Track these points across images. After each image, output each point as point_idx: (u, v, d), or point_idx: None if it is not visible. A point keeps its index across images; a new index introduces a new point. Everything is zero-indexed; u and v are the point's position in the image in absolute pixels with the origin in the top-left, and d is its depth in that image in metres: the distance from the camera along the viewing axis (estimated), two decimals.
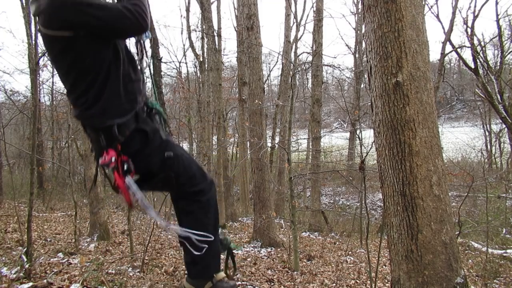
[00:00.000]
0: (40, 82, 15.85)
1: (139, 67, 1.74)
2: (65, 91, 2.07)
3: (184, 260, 1.85)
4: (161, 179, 1.71)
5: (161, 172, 1.69)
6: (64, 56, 1.53)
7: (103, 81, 1.53)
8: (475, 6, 6.90)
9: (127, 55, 1.65)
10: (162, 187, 1.90)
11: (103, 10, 1.47)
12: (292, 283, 5.46)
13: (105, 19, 1.47)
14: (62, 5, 1.43)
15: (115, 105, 1.56)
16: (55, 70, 1.65)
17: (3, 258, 5.10)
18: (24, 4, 9.93)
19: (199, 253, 1.71)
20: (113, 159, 1.53)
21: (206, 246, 1.72)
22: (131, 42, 1.88)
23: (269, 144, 13.45)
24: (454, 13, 8.77)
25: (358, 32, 19.52)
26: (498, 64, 8.11)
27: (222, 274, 1.83)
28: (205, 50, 15.08)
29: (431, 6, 8.15)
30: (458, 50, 7.90)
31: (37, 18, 1.59)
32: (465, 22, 6.66)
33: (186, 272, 1.90)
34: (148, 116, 1.72)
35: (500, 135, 18.05)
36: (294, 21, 15.59)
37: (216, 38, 13.08)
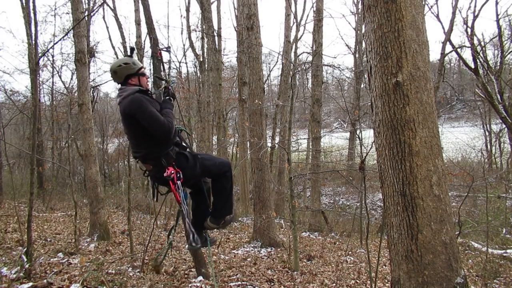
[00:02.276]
0: (40, 82, 15.87)
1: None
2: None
3: (215, 207, 3.13)
4: (202, 176, 3.07)
5: (202, 174, 3.01)
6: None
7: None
8: (475, 6, 6.91)
9: None
10: (202, 178, 3.16)
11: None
12: (292, 283, 5.46)
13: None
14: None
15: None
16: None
17: (3, 258, 5.10)
18: (24, 4, 9.93)
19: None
20: (172, 172, 2.73)
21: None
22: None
23: (269, 144, 13.45)
24: (454, 13, 8.77)
25: (358, 32, 19.52)
26: (498, 64, 8.10)
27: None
28: (205, 50, 15.10)
29: (431, 6, 8.16)
30: (458, 50, 7.91)
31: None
32: (465, 22, 6.67)
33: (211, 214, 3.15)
34: (179, 137, 2.90)
35: (500, 135, 18.04)
36: (294, 21, 15.60)
37: (216, 38, 13.09)
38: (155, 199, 3.08)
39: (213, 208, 3.15)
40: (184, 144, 2.94)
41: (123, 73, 2.85)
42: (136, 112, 2.61)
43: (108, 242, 7.38)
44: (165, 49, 3.28)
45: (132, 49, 3.11)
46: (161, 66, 3.42)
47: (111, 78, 2.92)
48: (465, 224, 7.96)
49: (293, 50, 15.71)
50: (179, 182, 2.72)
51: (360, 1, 2.67)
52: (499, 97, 5.91)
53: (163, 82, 3.19)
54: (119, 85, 2.91)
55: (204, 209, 3.25)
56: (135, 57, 3.01)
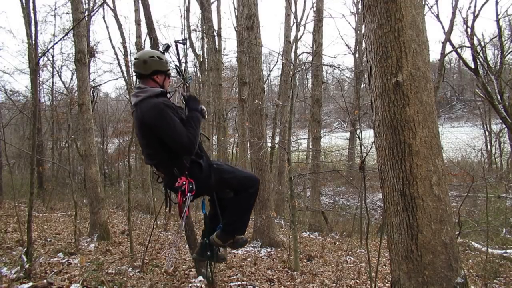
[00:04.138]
0: (40, 82, 15.88)
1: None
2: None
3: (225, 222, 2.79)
4: (218, 189, 2.76)
5: (217, 187, 2.69)
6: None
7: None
8: (475, 6, 6.88)
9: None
10: (219, 191, 2.84)
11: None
12: (292, 283, 5.46)
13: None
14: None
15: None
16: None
17: (3, 258, 5.10)
18: (24, 4, 9.92)
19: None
20: (184, 182, 2.43)
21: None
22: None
23: (269, 144, 13.44)
24: (454, 13, 8.76)
25: (358, 32, 19.52)
26: (498, 64, 8.09)
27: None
28: (205, 50, 15.10)
29: (431, 6, 8.15)
30: (458, 50, 7.90)
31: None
32: (465, 22, 6.65)
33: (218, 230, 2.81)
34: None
35: (500, 135, 18.03)
36: (294, 21, 15.57)
37: (216, 38, 13.08)
38: (167, 209, 2.78)
39: (224, 222, 2.79)
40: (199, 151, 2.59)
41: (153, 67, 2.52)
42: (155, 121, 2.32)
43: (108, 242, 7.38)
44: (181, 42, 2.92)
45: (167, 47, 2.72)
46: (178, 60, 3.05)
47: (135, 68, 2.55)
48: (465, 224, 7.96)
49: (293, 50, 15.69)
50: (189, 195, 2.43)
51: (360, 1, 2.67)
52: (499, 97, 5.90)
53: (180, 79, 2.86)
54: (139, 79, 2.58)
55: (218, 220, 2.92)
56: (167, 56, 2.71)
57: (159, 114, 2.32)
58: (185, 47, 3.09)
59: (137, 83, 2.65)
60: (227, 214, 2.78)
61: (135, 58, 2.60)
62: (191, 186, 2.43)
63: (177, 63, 2.90)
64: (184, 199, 2.44)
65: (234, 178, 2.65)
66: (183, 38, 3.06)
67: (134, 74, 2.70)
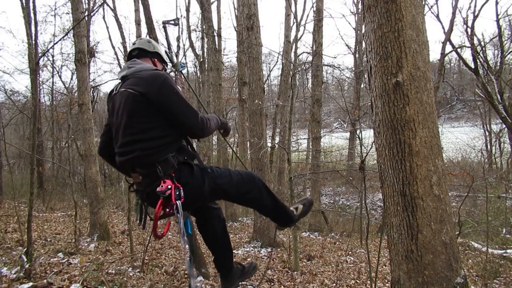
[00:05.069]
0: (40, 82, 15.88)
1: None
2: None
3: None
4: (211, 199, 2.24)
5: (211, 196, 2.12)
6: None
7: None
8: (475, 6, 6.90)
9: None
10: (211, 200, 2.34)
11: None
12: (292, 283, 5.46)
13: None
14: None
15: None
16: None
17: (3, 258, 5.10)
18: (24, 4, 9.92)
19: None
20: (169, 187, 1.84)
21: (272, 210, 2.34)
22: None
23: (269, 144, 13.43)
24: (454, 13, 8.76)
25: (358, 32, 19.52)
26: (498, 64, 8.08)
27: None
28: (205, 50, 15.10)
29: (431, 6, 8.15)
30: (458, 50, 7.90)
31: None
32: (465, 22, 6.66)
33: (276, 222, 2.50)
34: (185, 140, 2.10)
35: (500, 135, 18.02)
36: (294, 21, 15.58)
37: (216, 38, 13.08)
38: (141, 225, 2.14)
39: (272, 214, 2.41)
40: (192, 151, 2.09)
41: (156, 49, 2.25)
42: (162, 92, 1.89)
43: (108, 242, 7.38)
44: (172, 22, 2.56)
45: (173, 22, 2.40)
46: (167, 44, 2.61)
47: (136, 46, 2.23)
48: (465, 224, 7.95)
49: (293, 50, 15.70)
50: (178, 203, 1.85)
51: (360, 1, 2.67)
52: (499, 97, 5.90)
53: (169, 66, 2.41)
54: (134, 58, 2.18)
55: (222, 243, 2.40)
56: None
57: (168, 83, 1.93)
58: (179, 29, 2.74)
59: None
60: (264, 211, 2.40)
61: (136, 40, 2.33)
62: (178, 192, 1.87)
63: (167, 49, 2.48)
64: (168, 209, 1.89)
65: (229, 183, 2.13)
66: (175, 18, 2.64)
67: (127, 56, 2.30)
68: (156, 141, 1.91)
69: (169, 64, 2.39)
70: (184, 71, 2.49)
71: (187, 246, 1.95)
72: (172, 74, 2.56)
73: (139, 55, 2.21)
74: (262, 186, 2.26)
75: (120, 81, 2.07)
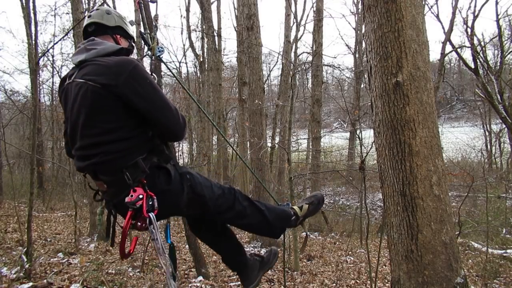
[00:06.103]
0: (40, 82, 15.88)
1: None
2: None
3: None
4: (189, 209, 1.81)
5: (189, 206, 1.77)
6: None
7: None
8: (475, 6, 6.89)
9: None
10: (188, 212, 1.96)
11: None
12: (292, 283, 5.46)
13: None
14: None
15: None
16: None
17: (3, 258, 5.10)
18: (24, 4, 9.91)
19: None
20: (141, 196, 1.54)
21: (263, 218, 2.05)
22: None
23: (269, 144, 13.44)
24: (454, 13, 8.75)
25: (358, 32, 19.51)
26: (498, 64, 8.09)
27: None
28: (205, 50, 15.08)
29: (431, 6, 8.15)
30: (458, 50, 7.89)
31: None
32: (465, 22, 6.65)
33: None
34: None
35: (500, 135, 18.02)
36: (294, 21, 15.58)
37: (216, 38, 13.08)
38: (109, 240, 1.87)
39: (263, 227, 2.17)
40: (167, 152, 1.75)
41: (117, 22, 1.86)
42: (132, 83, 1.54)
43: (108, 242, 7.37)
44: None
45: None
46: (143, 25, 2.21)
47: (92, 19, 1.86)
48: (465, 224, 7.95)
49: (293, 50, 15.71)
50: (152, 215, 1.56)
51: (360, 1, 2.67)
52: (499, 97, 5.90)
53: (145, 47, 2.08)
54: (92, 36, 1.79)
55: (225, 238, 2.17)
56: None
57: (139, 71, 1.58)
58: (156, 5, 2.22)
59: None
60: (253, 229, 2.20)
61: (91, 11, 1.92)
62: (150, 202, 1.57)
63: (143, 29, 2.16)
64: (139, 223, 1.58)
65: (210, 196, 1.81)
66: None
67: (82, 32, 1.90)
68: (123, 143, 1.58)
69: (145, 48, 2.09)
70: (164, 56, 2.07)
71: (169, 264, 1.73)
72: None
73: (97, 31, 1.82)
74: (245, 202, 1.97)
75: (75, 66, 1.68)
